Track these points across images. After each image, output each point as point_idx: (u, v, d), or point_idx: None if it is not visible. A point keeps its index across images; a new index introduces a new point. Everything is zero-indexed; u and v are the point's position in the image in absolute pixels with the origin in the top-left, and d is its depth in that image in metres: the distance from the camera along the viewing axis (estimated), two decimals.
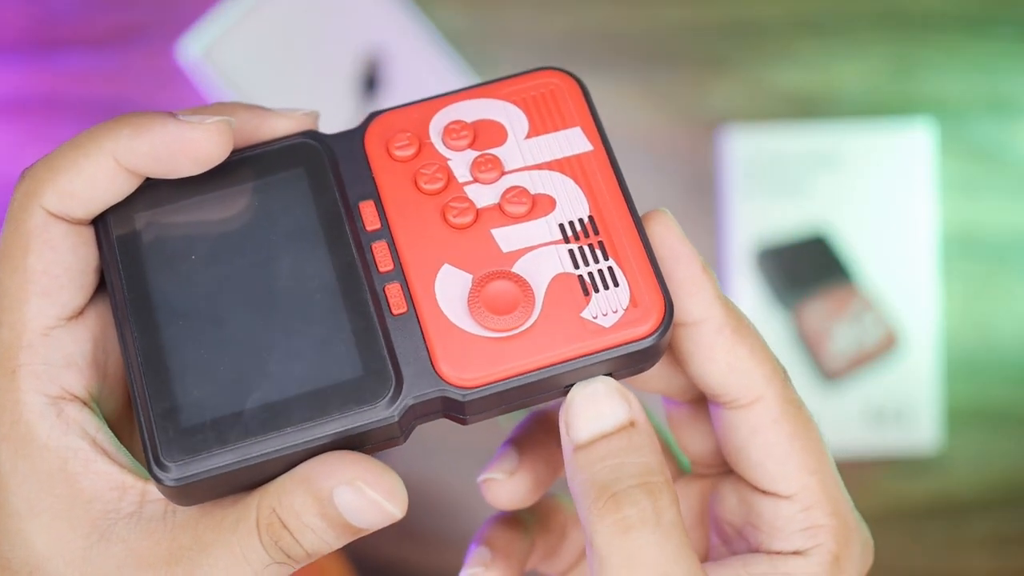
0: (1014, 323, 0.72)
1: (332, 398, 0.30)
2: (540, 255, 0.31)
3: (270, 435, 0.29)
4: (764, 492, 0.33)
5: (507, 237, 0.32)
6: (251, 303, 0.31)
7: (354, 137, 0.33)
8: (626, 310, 0.31)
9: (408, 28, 0.72)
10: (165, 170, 0.31)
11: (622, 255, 0.31)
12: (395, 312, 0.31)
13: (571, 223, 0.32)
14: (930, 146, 0.69)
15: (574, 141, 0.33)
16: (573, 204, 0.32)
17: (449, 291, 0.31)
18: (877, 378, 0.69)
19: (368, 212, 0.32)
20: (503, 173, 0.32)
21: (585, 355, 0.30)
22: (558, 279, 0.31)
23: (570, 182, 0.32)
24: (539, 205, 0.32)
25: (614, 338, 0.30)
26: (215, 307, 0.31)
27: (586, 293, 0.31)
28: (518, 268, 0.31)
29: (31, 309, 0.31)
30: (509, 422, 0.72)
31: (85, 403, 0.31)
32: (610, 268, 0.31)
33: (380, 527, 0.30)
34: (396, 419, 0.30)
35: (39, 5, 0.74)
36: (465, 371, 0.30)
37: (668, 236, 0.32)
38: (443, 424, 0.76)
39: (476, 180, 0.32)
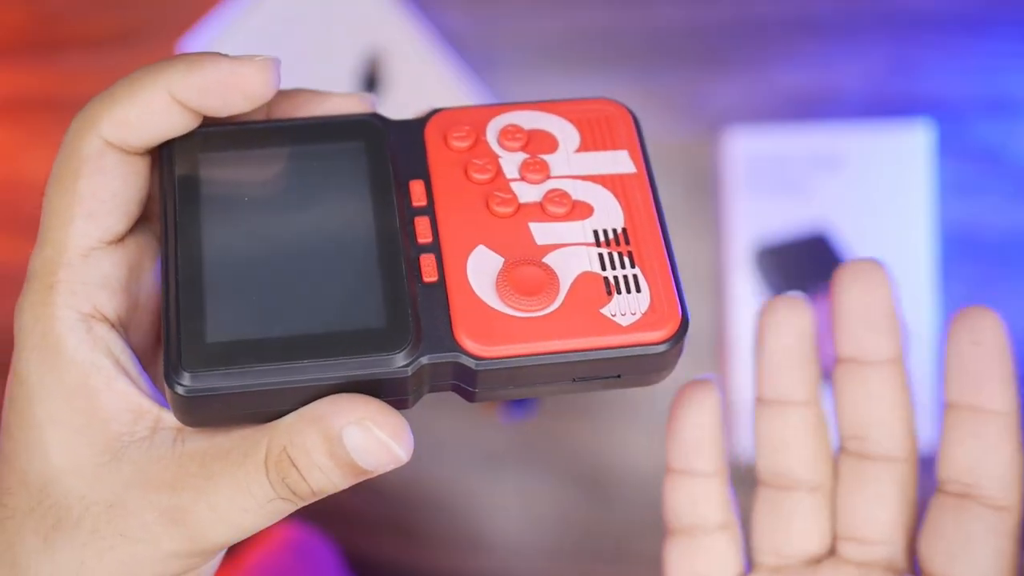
0: (1014, 323, 0.72)
1: (352, 342, 0.31)
2: (571, 252, 0.33)
3: (287, 365, 0.30)
4: None
5: (543, 232, 0.33)
6: (293, 249, 0.32)
7: (415, 125, 0.35)
8: (644, 314, 0.32)
9: (408, 28, 0.72)
10: (217, 104, 0.32)
11: (648, 267, 0.33)
12: (426, 280, 0.32)
13: (604, 231, 0.33)
14: (930, 146, 0.69)
15: (620, 162, 0.35)
16: (609, 215, 0.34)
17: (480, 268, 0.32)
18: None
19: (417, 190, 0.34)
20: (549, 177, 0.34)
21: (599, 348, 0.32)
22: (584, 276, 0.33)
23: (610, 196, 0.34)
24: (577, 209, 0.34)
25: (629, 338, 0.32)
26: (258, 245, 0.32)
27: (608, 292, 0.32)
28: (548, 260, 0.33)
29: (75, 229, 0.32)
30: (511, 422, 0.72)
31: (114, 325, 0.32)
32: (635, 275, 0.33)
33: (385, 470, 0.31)
34: (408, 374, 0.31)
35: (39, 5, 0.74)
36: (482, 342, 0.31)
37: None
38: (444, 424, 0.77)
39: (523, 179, 0.34)
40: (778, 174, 0.70)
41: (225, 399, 0.31)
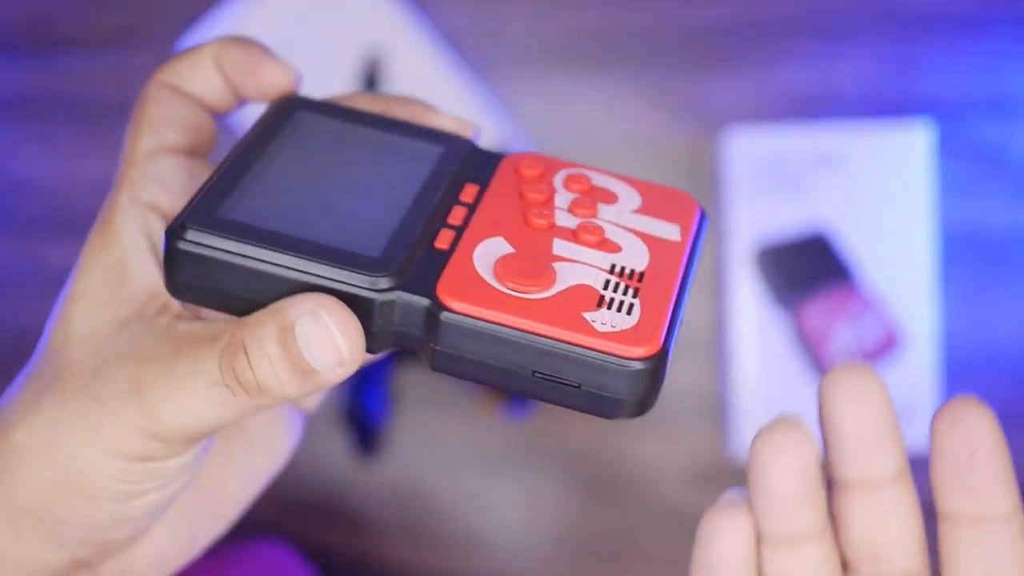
0: (1014, 323, 0.72)
1: (343, 257, 0.33)
2: (581, 268, 0.34)
3: (275, 253, 0.32)
4: None
5: (564, 247, 0.34)
6: (337, 185, 0.35)
7: (497, 155, 0.38)
8: (624, 330, 0.32)
9: (408, 28, 0.72)
10: (237, 80, 0.38)
11: (648, 305, 0.33)
12: (437, 246, 0.34)
13: (623, 267, 0.34)
14: (930, 146, 0.69)
15: (668, 231, 0.36)
16: (634, 257, 0.34)
17: (489, 251, 0.34)
18: None
19: (470, 190, 0.36)
20: (594, 216, 0.35)
21: (566, 342, 0.31)
22: (583, 287, 0.33)
23: (643, 247, 0.35)
24: (606, 245, 0.35)
25: (599, 343, 0.31)
26: (309, 173, 0.36)
27: (599, 305, 0.32)
28: (556, 264, 0.33)
29: (141, 139, 0.37)
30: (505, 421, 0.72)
31: (164, 216, 0.37)
32: (631, 304, 0.33)
33: (332, 371, 0.32)
34: (377, 300, 0.32)
35: (39, 5, 0.74)
36: (457, 297, 0.32)
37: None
38: (445, 424, 0.77)
39: (569, 210, 0.35)
40: (778, 174, 0.70)
41: (210, 265, 0.33)
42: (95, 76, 0.73)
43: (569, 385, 0.32)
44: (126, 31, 0.74)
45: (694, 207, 0.37)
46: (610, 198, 0.36)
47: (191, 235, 0.33)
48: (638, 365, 0.31)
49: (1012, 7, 0.72)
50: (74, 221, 0.73)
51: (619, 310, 0.32)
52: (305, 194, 0.35)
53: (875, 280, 0.69)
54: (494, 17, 0.73)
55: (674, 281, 0.34)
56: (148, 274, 0.35)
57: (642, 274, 0.34)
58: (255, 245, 0.33)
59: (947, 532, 0.32)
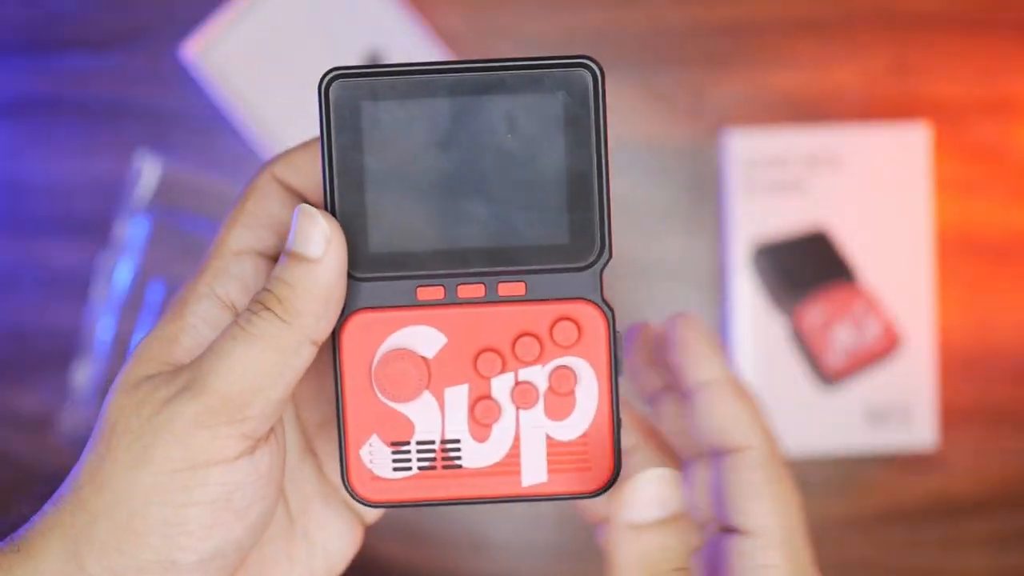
0: (1012, 323, 0.72)
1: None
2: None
3: None
4: (734, 530, 0.38)
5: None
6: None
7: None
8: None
9: (407, 28, 0.72)
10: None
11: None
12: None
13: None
14: (928, 146, 0.70)
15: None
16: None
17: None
18: (876, 378, 0.69)
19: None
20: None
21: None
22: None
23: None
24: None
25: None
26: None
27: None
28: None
29: (234, 233, 0.39)
30: None
31: (232, 313, 0.38)
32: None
33: (322, 249, 0.36)
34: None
35: (39, 6, 0.74)
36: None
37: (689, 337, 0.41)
38: None
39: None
40: (778, 174, 0.70)
41: None
42: (95, 77, 0.73)
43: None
44: (126, 32, 0.73)
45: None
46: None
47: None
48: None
49: (1012, 7, 0.72)
50: (74, 221, 0.73)
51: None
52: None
53: (873, 280, 0.70)
54: (492, 17, 0.73)
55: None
56: (195, 349, 0.38)
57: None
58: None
59: (697, 400, 0.39)
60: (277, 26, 0.72)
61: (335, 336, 0.36)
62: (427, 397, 0.35)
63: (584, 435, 0.36)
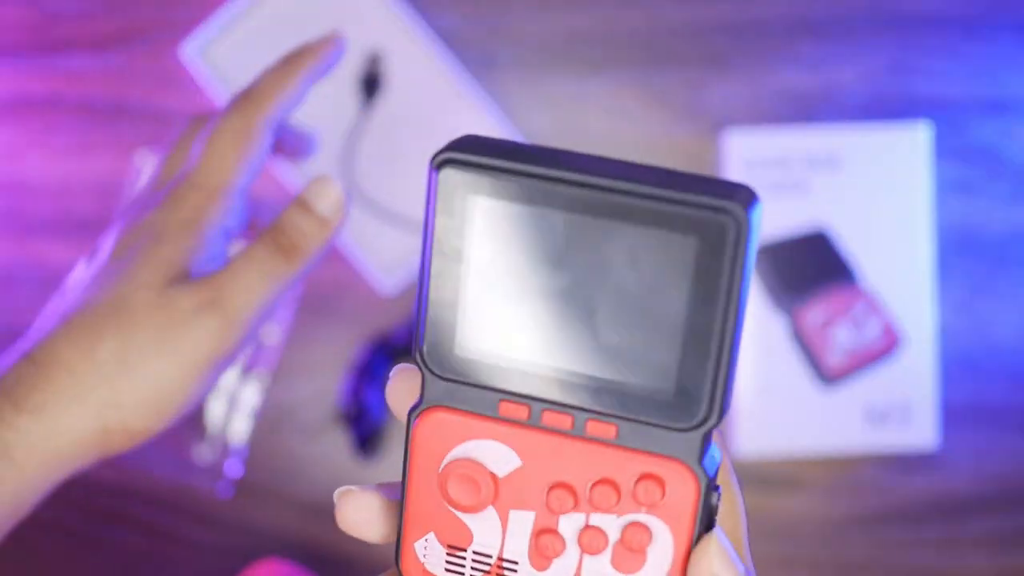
0: (1013, 323, 0.72)
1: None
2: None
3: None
4: None
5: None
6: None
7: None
8: None
9: (408, 29, 0.72)
10: None
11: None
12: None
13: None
14: (928, 147, 0.70)
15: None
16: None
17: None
18: (876, 377, 0.69)
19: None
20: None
21: None
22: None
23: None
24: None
25: None
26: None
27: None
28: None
29: (242, 174, 0.49)
30: None
31: (227, 238, 0.49)
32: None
33: (334, 213, 0.49)
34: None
35: (40, 6, 0.74)
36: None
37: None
38: None
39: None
40: (777, 174, 0.70)
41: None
42: (95, 77, 0.73)
43: None
44: (127, 32, 0.74)
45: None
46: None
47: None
48: None
49: (1012, 8, 0.72)
50: (74, 221, 0.73)
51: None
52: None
53: (874, 280, 0.70)
54: (494, 17, 0.73)
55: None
56: (216, 259, 0.48)
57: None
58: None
59: None
60: (277, 26, 0.72)
61: (409, 424, 0.33)
62: (491, 513, 0.33)
63: None
